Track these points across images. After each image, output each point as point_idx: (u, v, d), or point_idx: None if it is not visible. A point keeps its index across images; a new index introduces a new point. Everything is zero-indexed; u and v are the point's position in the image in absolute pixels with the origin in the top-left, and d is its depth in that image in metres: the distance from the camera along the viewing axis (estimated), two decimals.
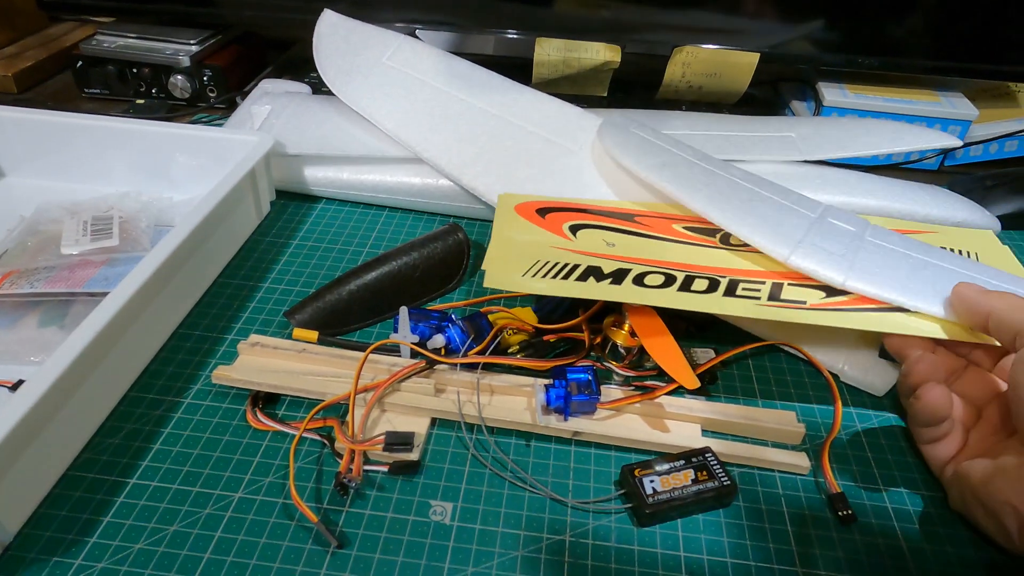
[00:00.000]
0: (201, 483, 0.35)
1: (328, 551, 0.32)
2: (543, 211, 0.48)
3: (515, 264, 0.42)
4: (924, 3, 0.62)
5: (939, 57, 0.65)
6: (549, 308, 0.45)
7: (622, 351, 0.41)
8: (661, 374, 0.40)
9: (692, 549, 0.33)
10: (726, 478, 0.35)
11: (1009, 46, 0.64)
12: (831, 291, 0.40)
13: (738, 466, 0.37)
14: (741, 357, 0.44)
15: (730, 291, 0.40)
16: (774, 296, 0.40)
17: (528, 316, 0.44)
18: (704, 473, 0.35)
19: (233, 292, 0.47)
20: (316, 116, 0.57)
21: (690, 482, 0.35)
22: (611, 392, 0.39)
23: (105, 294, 0.38)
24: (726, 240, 0.46)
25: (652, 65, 0.68)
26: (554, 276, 0.40)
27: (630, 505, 0.35)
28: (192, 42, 0.68)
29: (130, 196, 0.52)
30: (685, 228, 0.47)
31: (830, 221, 0.44)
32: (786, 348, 0.44)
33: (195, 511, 0.33)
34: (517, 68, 0.68)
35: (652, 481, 0.35)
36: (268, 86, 0.64)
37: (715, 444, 0.37)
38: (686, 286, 0.40)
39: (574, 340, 0.43)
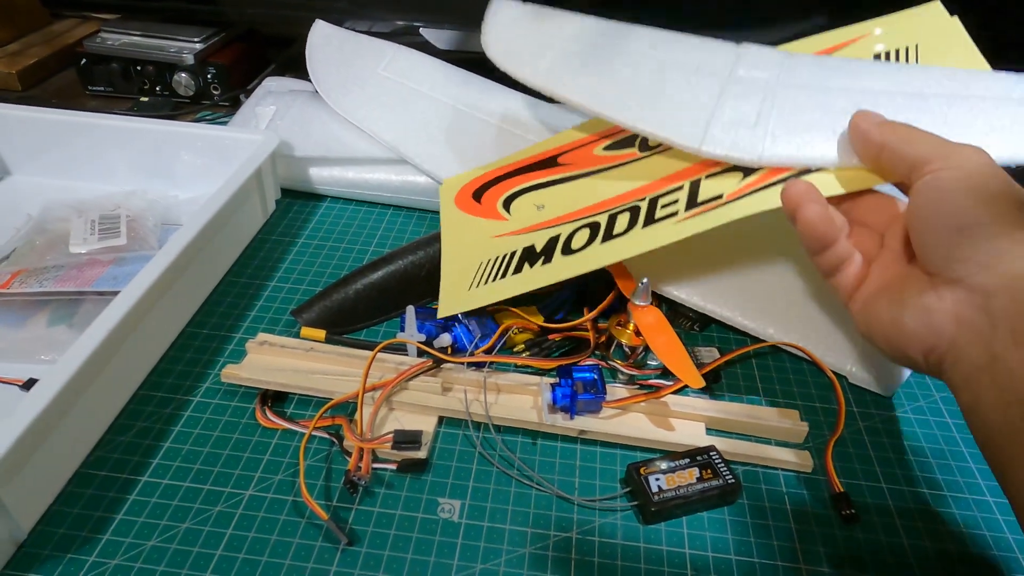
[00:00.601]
0: (212, 481, 0.35)
1: (338, 548, 0.33)
2: (478, 193, 0.49)
3: (462, 279, 0.43)
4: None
5: None
6: (554, 307, 0.46)
7: (627, 350, 0.42)
8: (666, 373, 0.41)
9: (697, 546, 0.34)
10: (730, 476, 0.35)
11: (1008, 46, 0.64)
12: (748, 171, 0.38)
13: (742, 464, 0.38)
14: (745, 357, 0.44)
15: (650, 216, 0.40)
16: (692, 202, 0.39)
17: (533, 315, 0.44)
18: (709, 471, 0.35)
19: (240, 291, 0.47)
20: (320, 117, 0.57)
21: (695, 480, 0.35)
22: (616, 391, 0.40)
23: (114, 293, 0.38)
24: (645, 145, 0.45)
25: None
26: (495, 276, 0.42)
27: (636, 503, 0.35)
28: (196, 40, 0.68)
29: (136, 195, 0.52)
30: (605, 149, 0.47)
31: (740, 75, 0.41)
32: (789, 348, 0.44)
33: (206, 508, 0.34)
34: None
35: (657, 479, 0.35)
36: (272, 84, 0.64)
37: (719, 442, 0.37)
38: (609, 231, 0.40)
39: (579, 339, 0.43)
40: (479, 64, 0.75)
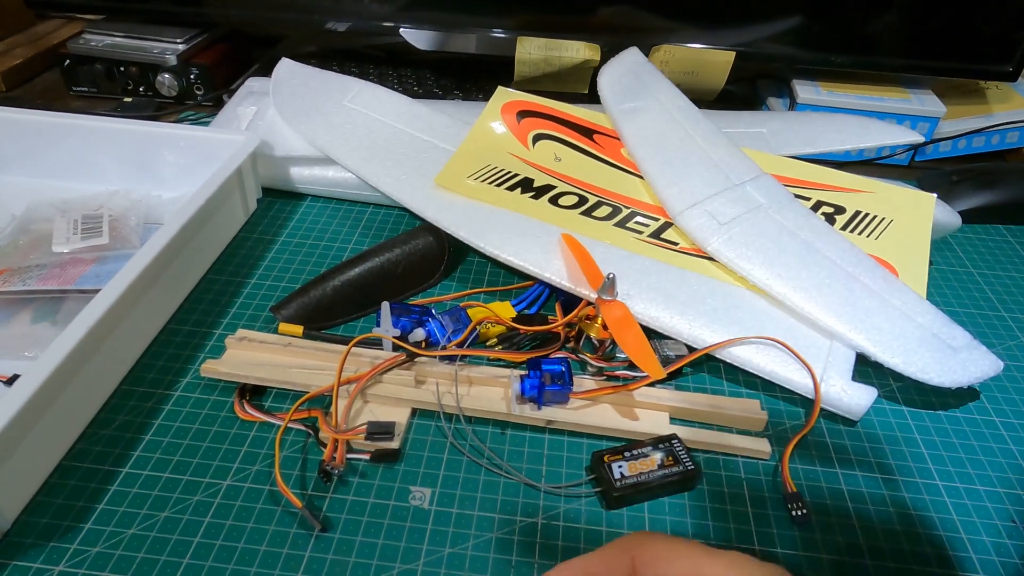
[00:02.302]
0: (191, 472, 0.36)
1: (312, 535, 0.34)
2: (522, 114, 0.58)
3: (468, 166, 0.52)
4: (897, 3, 0.64)
5: (910, 56, 0.67)
6: (525, 305, 0.47)
7: (595, 343, 0.43)
8: (632, 365, 0.42)
9: (657, 530, 0.35)
10: (690, 463, 0.37)
11: (978, 44, 0.66)
12: None
13: (703, 452, 0.39)
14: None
15: (623, 222, 0.50)
16: (656, 234, 0.49)
17: (506, 311, 0.46)
18: (670, 459, 0.37)
19: (221, 288, 0.48)
20: None
21: (656, 467, 0.36)
22: (584, 383, 0.41)
23: (96, 291, 0.39)
24: None
25: None
26: (492, 181, 0.51)
27: (599, 489, 0.37)
28: (179, 41, 0.69)
29: (119, 194, 0.53)
30: (627, 153, 0.56)
31: (747, 189, 0.50)
32: (765, 343, 0.44)
33: (185, 498, 0.35)
34: (499, 66, 0.70)
35: (620, 466, 0.36)
36: (254, 85, 0.65)
37: (682, 431, 0.39)
38: (590, 211, 0.50)
39: (549, 333, 0.45)
40: (460, 64, 0.76)
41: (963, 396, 0.43)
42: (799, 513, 0.36)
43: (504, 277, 0.51)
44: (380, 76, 0.73)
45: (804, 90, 0.67)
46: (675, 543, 0.25)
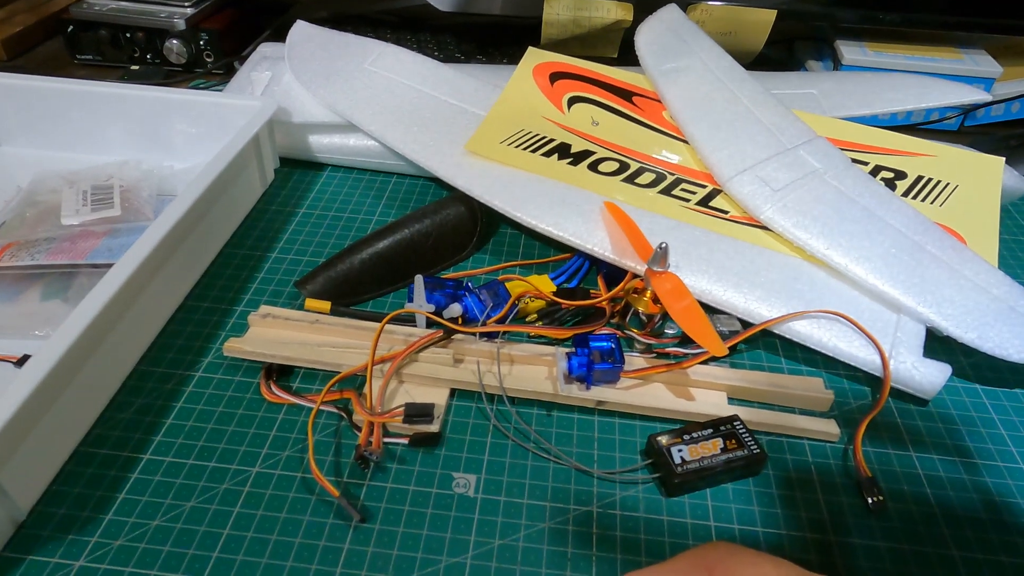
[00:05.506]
0: (216, 458, 0.34)
1: (351, 525, 0.31)
2: (555, 76, 0.54)
3: (501, 131, 0.49)
4: None
5: (962, 12, 0.63)
6: (565, 278, 0.44)
7: (643, 318, 0.40)
8: (683, 342, 0.39)
9: (723, 519, 0.32)
10: (756, 447, 0.34)
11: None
12: None
13: (766, 434, 0.36)
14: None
15: (668, 189, 0.46)
16: (704, 202, 0.46)
17: (545, 284, 0.43)
18: (733, 441, 0.34)
19: (240, 262, 0.46)
20: None
21: (719, 451, 0.34)
22: (634, 361, 0.38)
23: (109, 265, 0.36)
24: None
25: None
26: (527, 147, 0.48)
27: (658, 475, 0.34)
28: (186, 4, 0.66)
29: (130, 165, 0.50)
30: (669, 117, 0.52)
31: (800, 153, 0.46)
32: (826, 317, 0.41)
33: (212, 486, 0.33)
34: (524, 29, 0.66)
35: (680, 450, 0.34)
36: (267, 50, 0.62)
37: (741, 412, 0.36)
38: (632, 178, 0.47)
39: (593, 308, 0.42)
40: (482, 28, 0.73)
41: None
42: (876, 499, 0.33)
43: (540, 249, 0.48)
44: (398, 42, 0.69)
45: (849, 51, 0.63)
46: (763, 563, 0.21)
